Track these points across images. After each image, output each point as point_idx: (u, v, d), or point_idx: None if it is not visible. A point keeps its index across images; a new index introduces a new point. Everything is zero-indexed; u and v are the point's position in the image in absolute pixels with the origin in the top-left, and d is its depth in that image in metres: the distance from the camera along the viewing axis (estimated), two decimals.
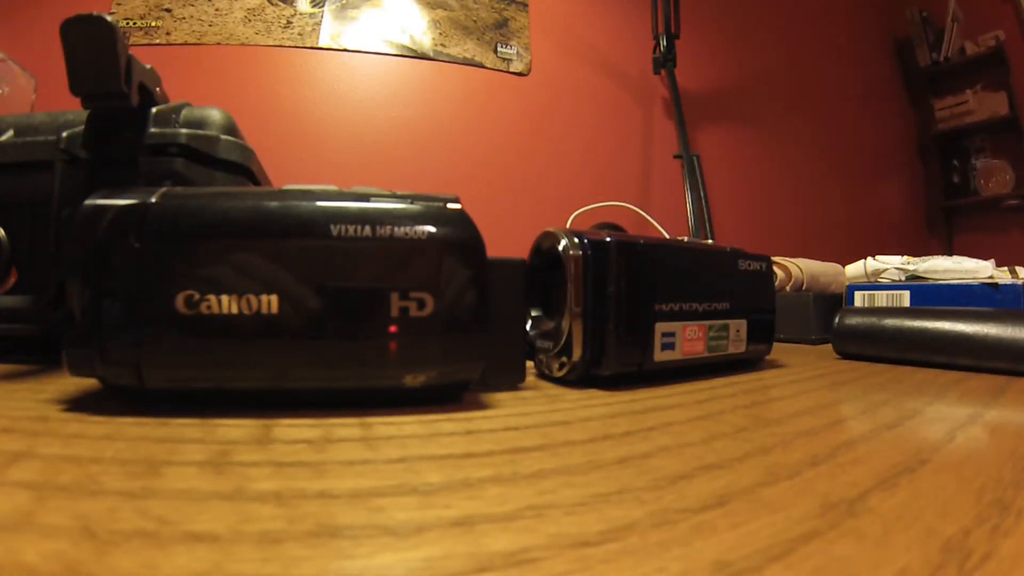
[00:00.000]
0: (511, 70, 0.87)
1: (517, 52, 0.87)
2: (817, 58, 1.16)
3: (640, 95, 0.96)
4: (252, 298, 0.15)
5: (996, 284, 0.37)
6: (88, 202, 0.17)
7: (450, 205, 0.18)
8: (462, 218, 0.17)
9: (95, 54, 0.24)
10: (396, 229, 0.16)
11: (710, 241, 0.67)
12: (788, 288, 0.49)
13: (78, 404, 0.17)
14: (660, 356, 0.22)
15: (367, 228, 0.15)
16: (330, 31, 0.79)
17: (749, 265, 0.26)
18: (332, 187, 0.18)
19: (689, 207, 0.70)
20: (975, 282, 0.38)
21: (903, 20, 1.35)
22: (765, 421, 0.17)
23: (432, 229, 0.16)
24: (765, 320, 0.27)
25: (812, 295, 0.46)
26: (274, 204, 0.16)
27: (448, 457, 0.13)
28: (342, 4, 0.80)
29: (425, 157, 0.83)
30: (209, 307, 0.15)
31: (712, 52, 1.04)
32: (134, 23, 0.75)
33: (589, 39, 0.95)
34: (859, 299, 0.44)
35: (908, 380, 0.25)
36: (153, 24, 0.75)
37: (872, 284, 0.44)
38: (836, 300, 0.47)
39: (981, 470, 0.12)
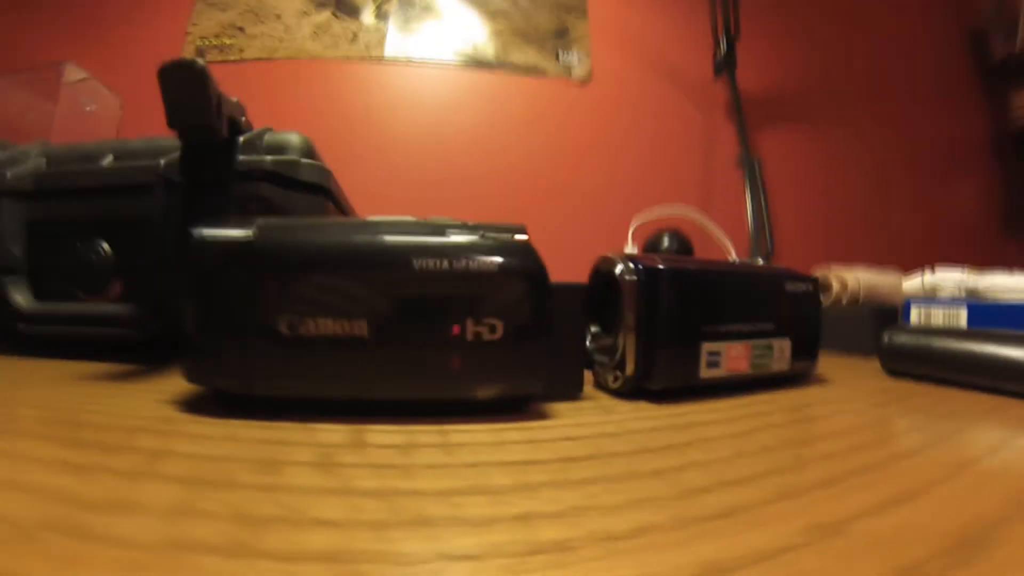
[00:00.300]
0: (573, 77, 0.89)
1: (578, 58, 0.88)
2: (884, 52, 1.11)
3: (701, 98, 0.96)
4: (344, 322, 0.17)
5: None
6: (196, 234, 0.20)
7: (517, 237, 0.20)
8: (527, 250, 0.19)
9: (189, 96, 0.27)
10: (470, 263, 0.18)
11: (766, 253, 0.66)
12: (844, 300, 0.49)
13: (193, 406, 0.20)
14: (706, 373, 0.23)
15: (444, 262, 0.18)
16: (395, 43, 0.83)
17: (795, 287, 0.27)
18: (411, 218, 0.20)
19: (749, 213, 0.69)
20: None
21: (976, 9, 1.29)
22: (791, 442, 0.18)
23: (501, 261, 0.18)
24: (810, 338, 0.28)
25: (868, 309, 0.45)
26: (361, 239, 0.18)
27: (513, 464, 0.15)
28: (405, 17, 0.84)
29: (490, 163, 0.86)
30: (307, 329, 0.18)
31: (774, 50, 1.02)
32: (209, 42, 0.81)
33: (649, 43, 0.95)
34: (915, 314, 0.43)
35: (947, 403, 0.25)
36: (227, 42, 0.81)
37: (929, 299, 0.43)
38: (892, 314, 0.45)
39: (967, 507, 0.13)
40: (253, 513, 0.11)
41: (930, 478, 0.15)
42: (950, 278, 0.43)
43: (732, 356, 0.24)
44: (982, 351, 0.27)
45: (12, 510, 0.11)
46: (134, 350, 0.33)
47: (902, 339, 0.31)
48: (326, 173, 0.34)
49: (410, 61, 0.83)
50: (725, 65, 0.79)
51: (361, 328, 0.18)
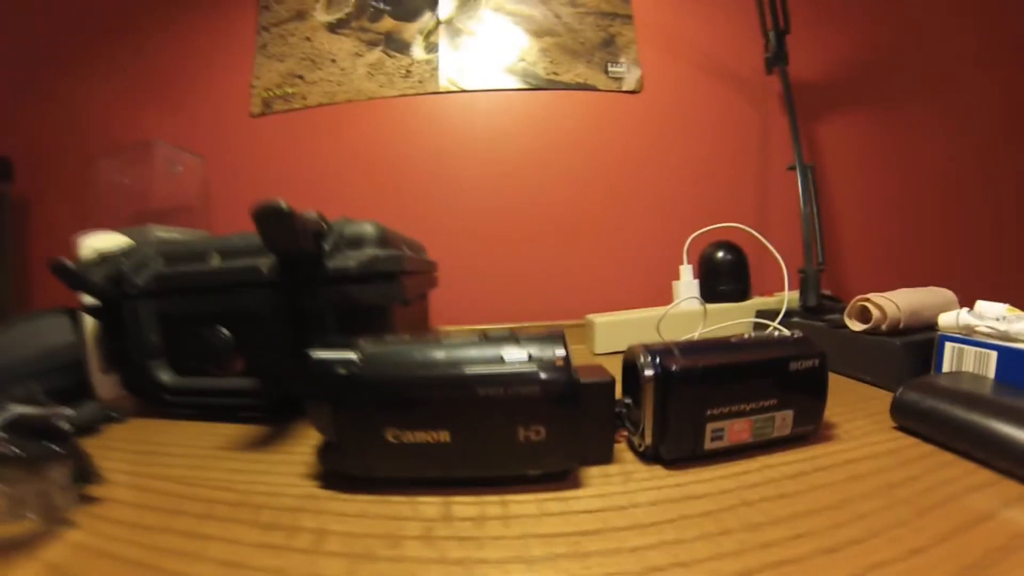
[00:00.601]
0: (623, 89, 0.94)
1: (627, 68, 0.94)
2: (956, 22, 1.07)
3: (755, 97, 0.97)
4: (432, 433, 0.28)
5: None
6: (314, 357, 0.31)
7: (558, 352, 0.29)
8: (564, 368, 0.29)
9: (278, 230, 0.39)
10: (520, 388, 0.28)
11: (817, 265, 0.70)
12: (884, 327, 0.53)
13: (327, 482, 0.31)
14: (710, 445, 0.32)
15: (500, 388, 0.27)
16: (447, 74, 0.92)
17: (800, 364, 0.34)
18: (475, 338, 0.30)
19: (804, 224, 0.73)
20: None
21: None
22: (751, 525, 0.26)
23: (543, 379, 0.28)
24: (813, 408, 0.36)
25: (899, 344, 0.49)
26: (436, 372, 0.29)
27: (550, 536, 0.25)
28: (453, 46, 0.93)
29: (548, 182, 0.94)
30: (405, 439, 0.28)
31: (833, 36, 1.01)
32: (273, 92, 0.94)
33: (698, 43, 0.98)
34: (948, 352, 0.47)
35: (931, 477, 0.30)
36: (290, 91, 0.93)
37: (963, 338, 0.46)
38: (927, 347, 0.49)
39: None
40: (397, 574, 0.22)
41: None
42: (988, 313, 0.46)
43: (735, 430, 0.33)
44: (982, 423, 0.32)
45: None
46: (256, 411, 0.45)
47: (911, 396, 0.38)
48: (396, 259, 0.45)
49: (462, 91, 0.93)
50: (776, 61, 0.80)
51: (444, 436, 0.28)
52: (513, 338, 0.31)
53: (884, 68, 1.03)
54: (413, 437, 0.28)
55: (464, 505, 0.28)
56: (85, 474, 0.31)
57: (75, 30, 0.99)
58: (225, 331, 0.46)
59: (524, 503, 0.29)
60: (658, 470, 0.32)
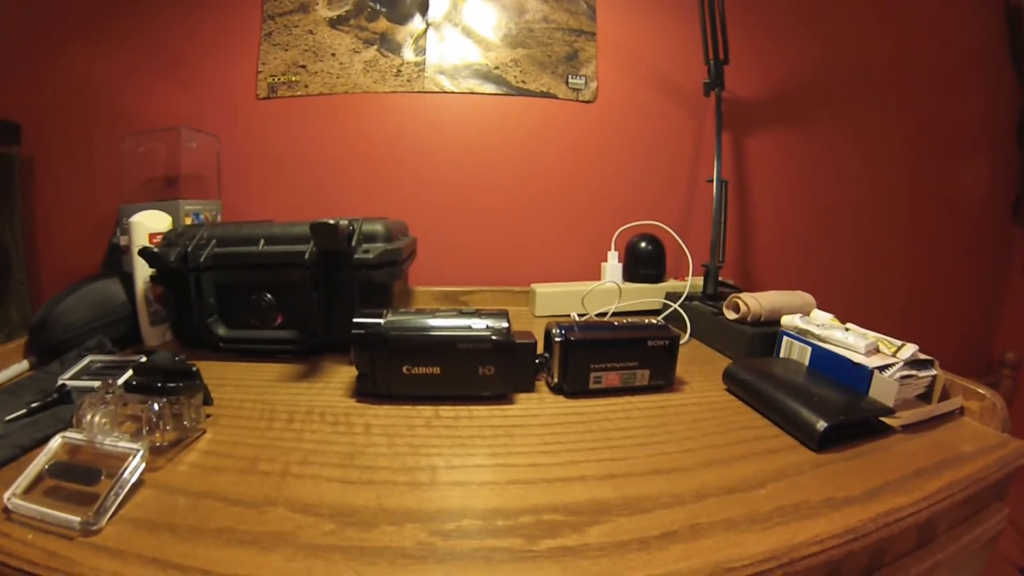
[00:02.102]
0: (580, 99, 1.13)
1: (585, 81, 1.13)
2: (904, 29, 1.29)
3: (695, 112, 1.17)
4: (429, 368, 0.52)
5: (857, 364, 0.57)
6: (356, 320, 0.53)
7: (502, 325, 0.53)
8: (506, 334, 0.53)
9: (329, 240, 0.60)
10: (481, 344, 0.52)
11: (718, 263, 0.94)
12: (749, 318, 0.76)
13: (361, 398, 0.55)
14: (593, 386, 0.57)
15: (470, 343, 0.51)
16: (432, 76, 1.11)
17: (656, 343, 0.59)
18: (455, 313, 0.54)
19: (713, 229, 0.91)
20: (845, 355, 0.59)
21: None
22: (605, 430, 0.50)
23: (493, 340, 0.52)
24: (664, 369, 0.60)
25: (750, 332, 0.73)
26: (433, 334, 0.52)
27: (494, 427, 0.50)
28: (440, 52, 1.11)
29: (510, 172, 1.15)
30: (414, 371, 0.52)
31: (773, 58, 1.22)
32: (278, 79, 1.11)
33: (651, 60, 1.16)
34: (785, 343, 0.69)
35: (725, 419, 0.56)
36: (294, 79, 1.11)
37: (795, 335, 0.68)
38: (772, 337, 0.72)
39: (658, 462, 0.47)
40: (415, 443, 0.46)
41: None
42: (816, 320, 0.69)
43: (609, 378, 0.57)
44: (767, 393, 0.55)
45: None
46: (293, 353, 0.68)
47: (734, 370, 0.62)
48: (397, 252, 0.67)
49: (444, 91, 1.13)
50: (713, 86, 0.98)
51: (437, 370, 0.52)
52: (477, 314, 0.54)
53: (805, 94, 1.26)
54: (419, 371, 0.52)
55: (447, 411, 0.53)
56: (207, 398, 0.51)
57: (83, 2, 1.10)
58: (269, 296, 0.68)
59: (480, 411, 0.53)
60: (561, 399, 0.57)
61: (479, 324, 0.53)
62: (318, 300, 0.66)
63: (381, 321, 0.53)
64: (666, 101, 1.20)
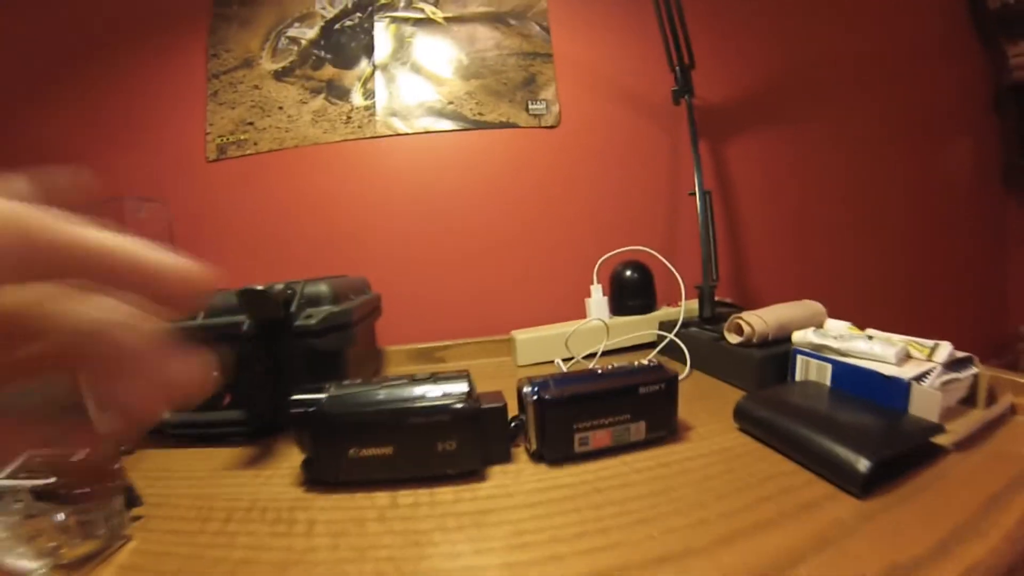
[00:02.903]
0: (542, 124, 1.08)
1: (546, 106, 1.08)
2: (868, 19, 1.25)
3: (666, 124, 1.11)
4: (379, 449, 0.44)
5: (890, 377, 0.50)
6: (294, 397, 0.46)
7: (461, 389, 0.45)
8: (465, 399, 0.45)
9: (260, 307, 0.53)
10: (437, 416, 0.44)
11: (712, 281, 0.87)
12: (755, 339, 0.68)
13: (310, 487, 0.47)
14: (579, 449, 0.48)
15: (422, 417, 0.43)
16: (383, 119, 1.05)
17: (649, 388, 0.50)
18: (408, 378, 0.46)
19: (702, 245, 0.84)
20: (874, 369, 0.52)
21: None
22: (595, 504, 0.41)
23: (451, 409, 0.44)
24: (664, 418, 0.52)
25: (758, 356, 0.65)
26: (381, 408, 0.44)
27: (460, 514, 0.41)
28: (390, 92, 1.06)
29: (474, 212, 1.09)
30: (362, 454, 0.44)
31: (745, 48, 1.18)
32: (227, 139, 1.06)
33: (612, 76, 1.11)
34: (800, 363, 0.61)
35: (744, 471, 0.47)
36: (243, 137, 1.06)
37: (810, 352, 0.60)
38: (784, 358, 0.64)
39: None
40: (362, 544, 0.38)
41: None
42: (832, 331, 0.61)
43: (597, 437, 0.49)
44: (790, 429, 0.46)
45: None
46: (243, 436, 0.60)
47: (747, 406, 0.53)
48: (347, 313, 0.60)
49: (397, 133, 1.08)
50: (682, 93, 0.92)
51: (388, 450, 0.44)
52: (432, 379, 0.47)
53: (780, 92, 1.22)
54: (367, 452, 0.44)
55: (406, 496, 0.44)
56: (133, 499, 0.45)
57: (25, 63, 1.08)
58: (216, 372, 0.61)
59: (445, 493, 0.44)
60: (542, 468, 0.48)
61: (434, 392, 0.46)
62: (259, 375, 0.58)
63: (322, 397, 0.46)
64: (635, 116, 1.15)
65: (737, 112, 1.18)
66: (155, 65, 1.09)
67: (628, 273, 0.95)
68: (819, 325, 0.67)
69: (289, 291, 0.59)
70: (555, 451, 0.49)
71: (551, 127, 1.11)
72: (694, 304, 0.87)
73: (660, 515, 0.39)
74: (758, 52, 1.20)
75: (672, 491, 0.43)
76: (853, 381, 0.54)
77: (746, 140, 1.19)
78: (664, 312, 0.94)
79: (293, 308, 0.58)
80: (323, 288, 0.61)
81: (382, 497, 0.44)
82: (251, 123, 1.07)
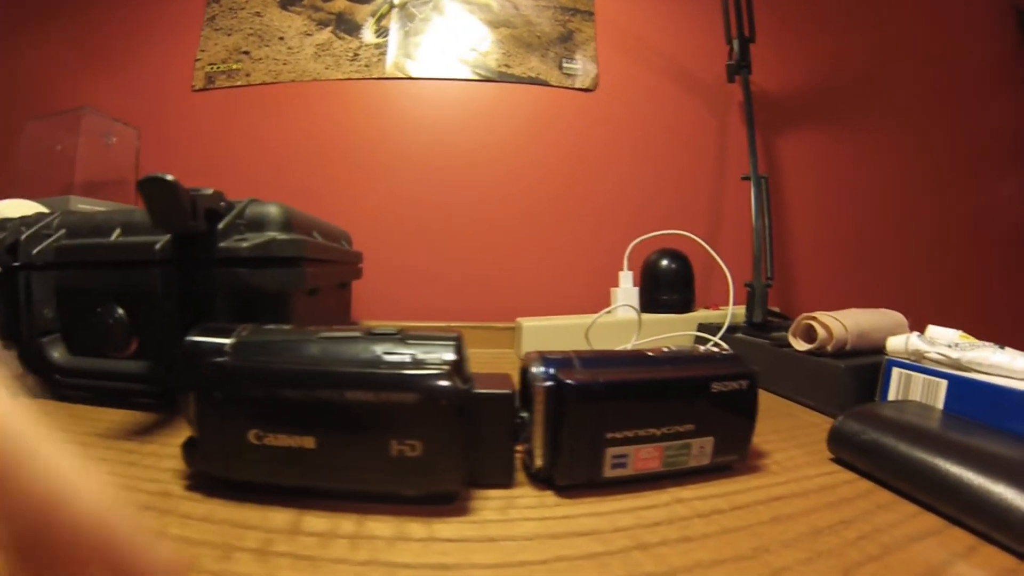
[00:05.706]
0: (576, 86, 0.92)
1: (583, 66, 0.92)
2: (922, 43, 1.09)
3: (714, 104, 0.97)
4: (296, 437, 0.25)
5: None
6: (188, 339, 0.28)
7: (445, 357, 0.27)
8: (450, 374, 0.26)
9: (166, 204, 0.35)
10: (393, 394, 0.25)
11: (765, 280, 0.68)
12: (830, 347, 0.51)
13: (189, 481, 0.29)
14: (610, 473, 0.30)
15: (371, 393, 0.25)
16: (395, 60, 0.90)
17: (725, 385, 0.32)
18: (365, 332, 0.28)
19: (755, 237, 0.69)
20: (1013, 388, 0.37)
21: None
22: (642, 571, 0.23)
23: (423, 386, 0.26)
24: (740, 435, 0.33)
25: (843, 367, 0.48)
26: (305, 367, 0.26)
27: (397, 566, 0.23)
28: (406, 32, 0.90)
29: (490, 178, 0.92)
30: (268, 441, 0.26)
31: (801, 42, 1.02)
32: (218, 67, 0.90)
33: (660, 46, 0.97)
34: (896, 378, 0.46)
35: (865, 522, 0.27)
36: (234, 67, 0.89)
37: (912, 364, 0.45)
38: (873, 372, 0.48)
39: None
40: None
41: None
42: (940, 339, 0.44)
43: (641, 457, 0.30)
44: (929, 463, 0.29)
45: None
46: (148, 396, 0.43)
47: (851, 427, 0.35)
48: (299, 244, 0.42)
49: (408, 77, 0.91)
50: (738, 69, 0.78)
51: (309, 442, 0.26)
52: (400, 337, 0.28)
53: (839, 87, 1.04)
54: (276, 440, 0.26)
55: (316, 519, 0.26)
56: None
57: None
58: (120, 310, 0.43)
59: (382, 523, 0.26)
60: (548, 497, 0.30)
61: (398, 356, 0.27)
62: (168, 314, 0.41)
63: (226, 342, 0.28)
64: (681, 91, 0.98)
65: (789, 102, 1.01)
66: None
67: (665, 263, 0.77)
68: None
69: (223, 203, 0.41)
70: (574, 473, 0.30)
71: (586, 90, 0.94)
72: (735, 309, 0.69)
73: None
74: (815, 37, 1.03)
75: (766, 553, 0.25)
76: (977, 403, 0.39)
77: (799, 135, 1.02)
78: (702, 314, 0.76)
79: (222, 225, 0.40)
80: (272, 210, 0.43)
81: (280, 516, 0.26)
82: (246, 52, 0.90)
